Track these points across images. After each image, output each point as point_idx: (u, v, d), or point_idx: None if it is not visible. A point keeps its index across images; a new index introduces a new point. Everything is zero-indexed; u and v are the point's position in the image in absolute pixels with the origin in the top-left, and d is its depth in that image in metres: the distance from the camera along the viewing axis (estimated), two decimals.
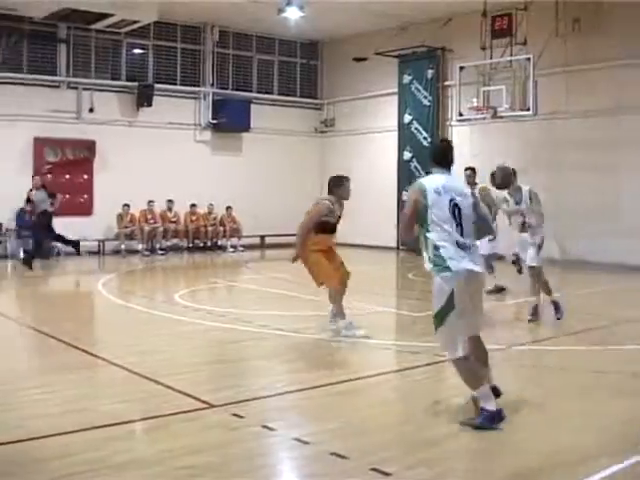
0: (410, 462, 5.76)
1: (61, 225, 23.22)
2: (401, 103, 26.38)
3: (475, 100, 22.12)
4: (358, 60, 27.29)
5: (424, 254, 6.85)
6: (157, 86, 26.09)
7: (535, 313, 12.04)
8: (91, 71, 25.40)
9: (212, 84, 27.42)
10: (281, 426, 6.62)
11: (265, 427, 6.57)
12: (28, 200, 21.46)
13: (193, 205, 26.26)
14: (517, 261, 14.73)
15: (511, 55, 21.54)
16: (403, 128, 26.21)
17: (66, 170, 24.83)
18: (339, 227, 11.03)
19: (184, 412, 7.08)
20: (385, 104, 26.93)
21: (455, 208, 6.82)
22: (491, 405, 6.60)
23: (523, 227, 12.16)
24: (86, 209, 24.98)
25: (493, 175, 12.04)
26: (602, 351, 10.18)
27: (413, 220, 6.92)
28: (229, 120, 26.80)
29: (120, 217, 25.09)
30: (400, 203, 25.64)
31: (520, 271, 14.64)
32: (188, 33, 27.14)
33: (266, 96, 28.63)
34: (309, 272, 10.93)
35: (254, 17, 25.20)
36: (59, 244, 21.48)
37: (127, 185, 24.44)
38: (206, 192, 26.01)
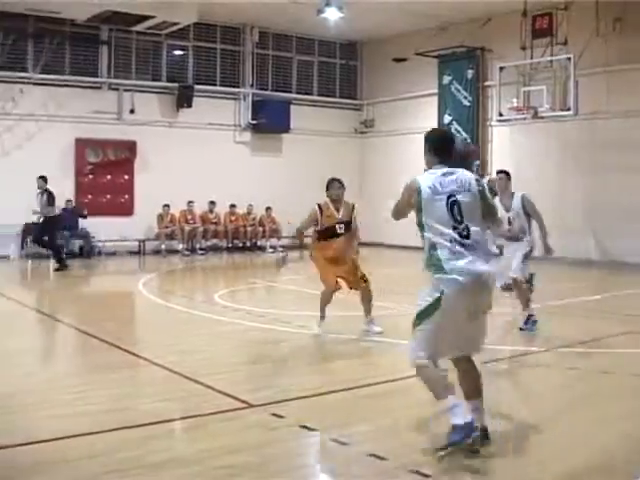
0: (448, 465, 5.72)
1: (102, 225, 23.51)
2: (441, 104, 26.31)
3: (515, 100, 22.03)
4: (398, 60, 27.26)
5: (423, 255, 6.18)
6: (197, 87, 26.22)
7: (530, 324, 11.66)
8: (132, 72, 25.59)
9: (252, 85, 27.51)
10: (319, 426, 6.63)
11: (304, 427, 6.59)
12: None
13: (233, 206, 26.36)
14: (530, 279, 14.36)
15: (551, 55, 21.44)
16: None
17: (107, 170, 25.04)
18: (366, 228, 10.97)
19: (223, 412, 7.12)
20: (425, 105, 26.85)
21: (454, 206, 6.10)
22: (459, 418, 5.87)
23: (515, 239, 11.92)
24: (127, 209, 25.17)
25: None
26: None
27: (403, 209, 6.37)
28: (269, 121, 26.86)
29: (160, 217, 25.24)
30: None
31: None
32: (228, 34, 27.25)
33: (306, 97, 28.66)
34: None
35: (294, 18, 25.25)
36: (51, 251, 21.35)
37: (167, 185, 24.57)
38: (246, 193, 26.07)
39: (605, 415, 7.16)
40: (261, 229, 26.75)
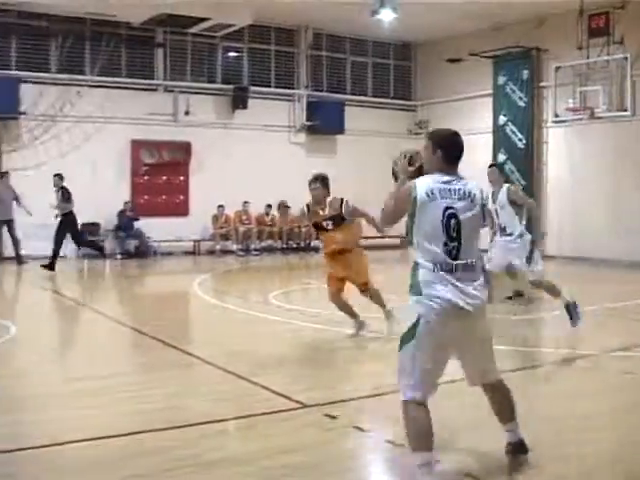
0: (506, 470, 5.68)
1: (158, 225, 23.72)
2: (496, 104, 26.12)
3: (571, 101, 21.85)
4: (452, 61, 27.12)
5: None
6: (252, 88, 26.32)
7: (573, 312, 11.41)
8: (187, 74, 25.77)
9: (306, 86, 27.56)
10: (374, 428, 6.63)
11: (358, 428, 6.59)
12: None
13: (287, 207, 26.36)
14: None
15: (608, 54, 21.23)
16: (498, 130, 25.95)
17: (162, 171, 25.24)
18: None
19: (277, 412, 7.14)
20: (479, 105, 26.69)
21: (451, 220, 5.35)
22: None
23: (499, 230, 11.82)
24: (182, 210, 25.34)
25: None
26: None
27: (395, 215, 5.58)
28: (323, 122, 26.88)
29: (215, 218, 25.38)
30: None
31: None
32: (282, 36, 27.33)
33: (360, 98, 28.64)
34: None
35: (348, 19, 25.23)
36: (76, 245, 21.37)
37: (222, 186, 24.69)
38: (301, 193, 26.01)
39: None
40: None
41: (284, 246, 26.53)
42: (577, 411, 7.25)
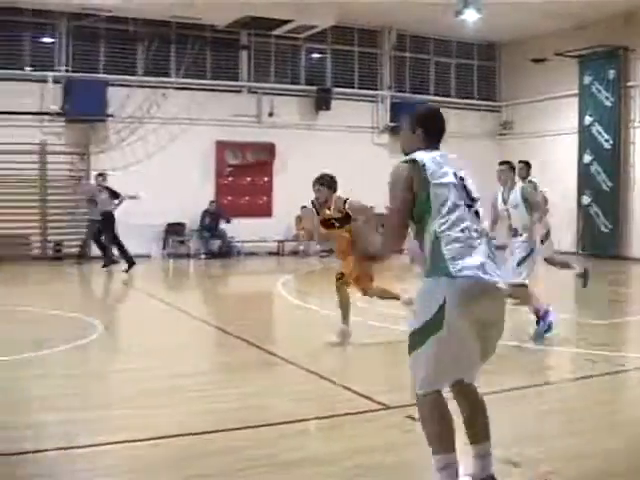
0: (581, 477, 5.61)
1: (242, 226, 23.91)
2: (581, 105, 25.76)
3: None
4: (537, 61, 26.79)
5: (420, 260, 4.94)
6: (335, 90, 26.40)
7: (585, 276, 10.96)
8: (271, 76, 25.95)
9: (390, 87, 27.52)
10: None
11: None
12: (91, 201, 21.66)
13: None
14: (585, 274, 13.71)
15: None
16: (584, 130, 25.59)
17: (246, 172, 25.44)
18: None
19: (359, 413, 7.14)
20: (565, 106, 26.35)
21: (462, 182, 4.88)
22: None
23: (510, 231, 11.30)
24: (266, 210, 25.51)
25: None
26: None
27: (405, 217, 4.88)
28: None
29: (299, 219, 25.48)
30: (580, 207, 25.12)
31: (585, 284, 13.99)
32: (365, 37, 27.33)
33: (443, 99, 28.47)
34: None
35: (431, 20, 25.12)
36: (115, 251, 21.49)
37: (305, 187, 24.55)
38: (384, 195, 26.01)
39: None
40: None
41: None
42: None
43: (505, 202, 11.18)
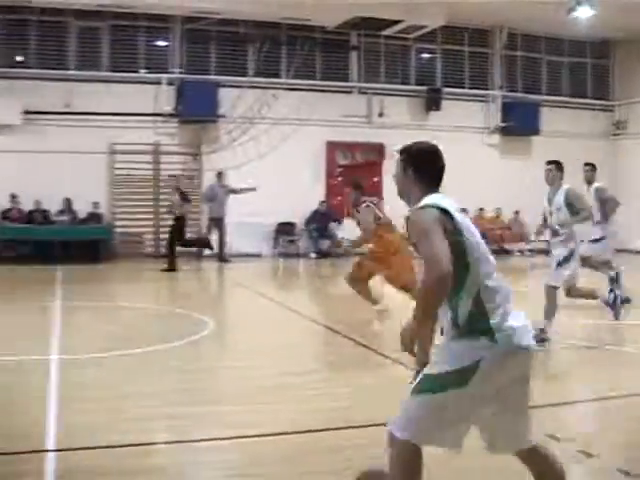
0: None
1: (351, 226, 23.92)
2: None
3: None
4: None
5: (448, 316, 4.25)
6: (445, 90, 26.28)
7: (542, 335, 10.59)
8: (381, 76, 25.98)
9: (501, 87, 27.26)
10: (566, 436, 6.47)
11: (550, 436, 6.44)
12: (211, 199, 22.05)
13: (481, 209, 26.23)
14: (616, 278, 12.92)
15: None
16: None
17: (356, 173, 25.41)
18: None
19: None
20: None
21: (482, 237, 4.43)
22: None
23: (552, 234, 10.84)
24: None
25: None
26: None
27: (448, 253, 4.06)
28: (518, 123, 26.46)
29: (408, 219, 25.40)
30: None
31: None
32: (476, 36, 27.12)
33: (555, 98, 28.08)
34: None
35: (543, 18, 24.76)
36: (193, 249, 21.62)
37: None
38: (494, 196, 25.86)
39: None
40: (508, 232, 26.49)
41: None
42: None
43: (550, 203, 10.88)
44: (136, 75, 23.57)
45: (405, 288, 11.43)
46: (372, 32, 24.64)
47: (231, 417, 7.02)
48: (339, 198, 24.99)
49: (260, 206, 22.03)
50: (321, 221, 24.38)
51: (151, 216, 23.31)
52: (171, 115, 23.58)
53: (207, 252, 22.25)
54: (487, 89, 27.24)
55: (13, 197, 22.17)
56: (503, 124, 26.67)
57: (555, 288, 10.53)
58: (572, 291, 10.93)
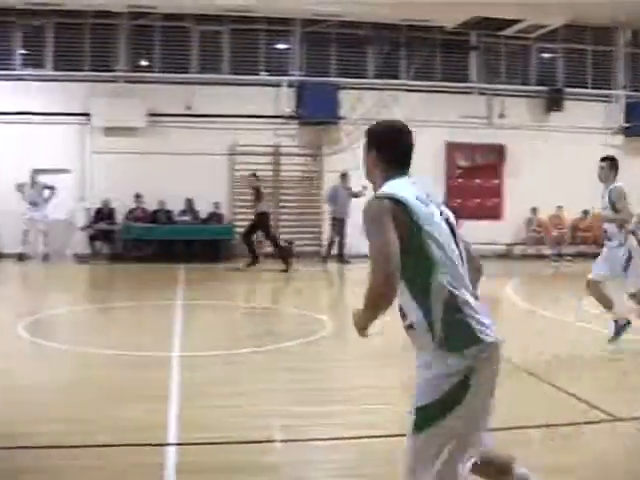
0: None
1: (471, 228, 23.70)
2: None
3: None
4: None
5: (414, 319, 3.93)
6: (567, 90, 25.85)
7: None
8: (501, 77, 25.73)
9: (624, 86, 26.67)
10: None
11: None
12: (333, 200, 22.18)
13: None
14: None
15: None
16: None
17: (476, 174, 25.34)
18: None
19: (586, 423, 6.99)
20: None
21: (448, 224, 4.07)
22: None
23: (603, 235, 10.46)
24: (495, 213, 25.29)
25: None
26: None
27: (396, 253, 3.74)
28: None
29: (529, 221, 25.15)
30: None
31: None
32: (598, 34, 26.55)
33: None
34: None
35: None
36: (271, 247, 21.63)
37: (536, 190, 24.35)
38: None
39: None
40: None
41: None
42: None
43: (602, 202, 10.70)
44: (256, 78, 23.93)
45: None
46: (492, 32, 24.41)
47: (348, 417, 7.10)
48: (458, 200, 24.87)
49: None
50: None
51: (272, 217, 23.54)
52: (291, 117, 23.82)
53: (324, 253, 22.45)
54: (610, 89, 26.68)
55: (137, 197, 22.78)
56: (627, 125, 26.09)
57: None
58: (593, 288, 10.80)
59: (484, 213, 24.94)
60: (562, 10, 22.64)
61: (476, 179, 25.38)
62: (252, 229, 20.95)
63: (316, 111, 23.29)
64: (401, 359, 9.68)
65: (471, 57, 25.51)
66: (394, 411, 7.21)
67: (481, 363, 3.81)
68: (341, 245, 22.34)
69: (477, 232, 23.68)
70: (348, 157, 23.00)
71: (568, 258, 24.77)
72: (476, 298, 3.96)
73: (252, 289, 18.05)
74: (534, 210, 24.95)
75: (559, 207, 25.12)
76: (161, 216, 22.91)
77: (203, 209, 23.23)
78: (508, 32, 24.09)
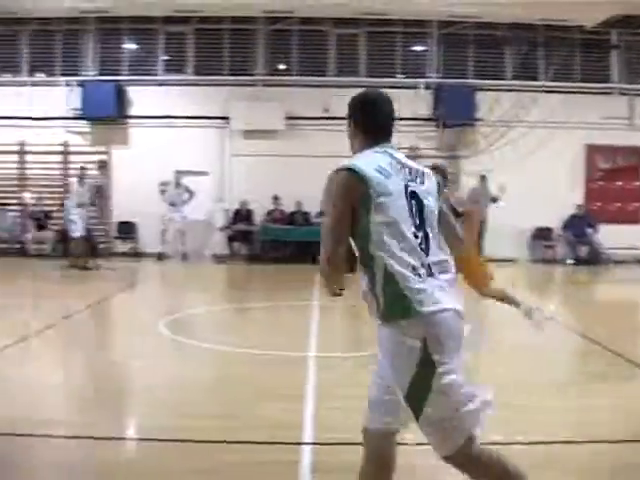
0: None
1: (611, 232, 23.29)
2: None
3: None
4: None
5: (367, 291, 3.98)
6: None
7: None
8: None
9: None
10: None
11: None
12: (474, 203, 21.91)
13: None
14: None
15: None
16: None
17: (617, 177, 24.80)
18: None
19: None
20: None
21: (413, 199, 3.90)
22: None
23: None
24: (635, 217, 24.69)
25: None
26: None
27: (343, 232, 3.87)
28: None
29: None
30: None
31: None
32: None
33: None
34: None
35: None
36: None
37: None
38: None
39: None
40: None
41: None
42: None
43: None
44: (393, 80, 23.95)
45: None
46: (633, 30, 23.88)
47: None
48: (598, 204, 24.41)
49: (517, 210, 21.84)
50: (578, 226, 23.80)
51: None
52: (429, 119, 23.79)
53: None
54: None
55: (276, 199, 23.16)
56: None
57: None
58: None
59: (624, 217, 24.39)
60: None
61: (616, 182, 24.85)
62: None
63: (454, 113, 23.24)
64: (534, 364, 9.63)
65: (612, 56, 24.98)
66: (528, 419, 7.14)
67: (433, 330, 3.74)
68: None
69: (617, 236, 23.33)
70: (485, 159, 22.90)
71: None
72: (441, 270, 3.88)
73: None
74: None
75: None
76: (298, 217, 23.20)
77: None
78: None
